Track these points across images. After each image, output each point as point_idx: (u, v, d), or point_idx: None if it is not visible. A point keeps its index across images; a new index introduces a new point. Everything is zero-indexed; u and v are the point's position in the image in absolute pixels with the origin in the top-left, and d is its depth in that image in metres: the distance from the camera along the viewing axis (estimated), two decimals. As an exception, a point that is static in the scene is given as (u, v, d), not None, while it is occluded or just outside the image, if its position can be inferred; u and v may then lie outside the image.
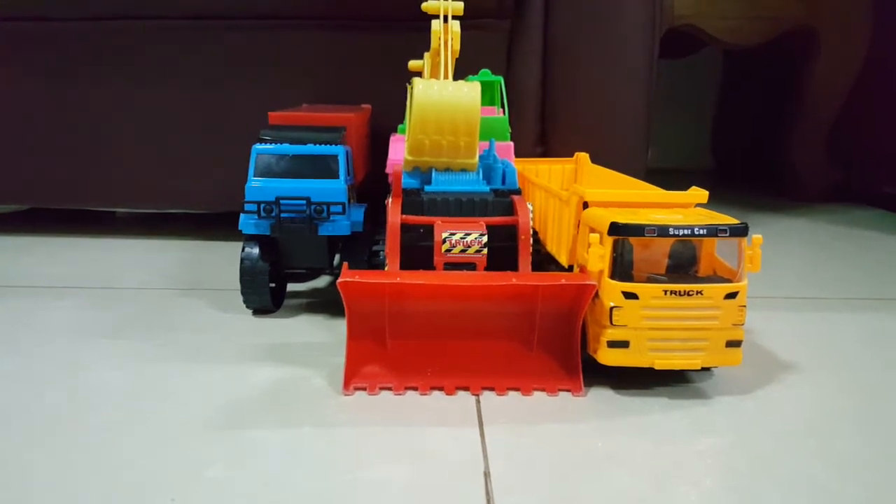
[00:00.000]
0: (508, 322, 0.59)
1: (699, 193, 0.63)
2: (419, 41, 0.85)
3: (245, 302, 0.74)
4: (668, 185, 0.68)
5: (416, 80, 0.64)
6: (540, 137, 0.98)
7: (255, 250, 0.72)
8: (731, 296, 0.56)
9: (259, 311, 0.76)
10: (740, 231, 0.56)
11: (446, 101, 0.62)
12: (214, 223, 1.12)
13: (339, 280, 0.54)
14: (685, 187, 0.64)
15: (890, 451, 0.50)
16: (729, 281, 0.57)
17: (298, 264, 0.75)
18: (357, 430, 0.51)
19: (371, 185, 0.86)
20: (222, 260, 0.96)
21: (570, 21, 0.95)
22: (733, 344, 0.57)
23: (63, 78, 1.00)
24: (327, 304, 0.80)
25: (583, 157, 0.93)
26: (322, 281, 0.88)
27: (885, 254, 1.07)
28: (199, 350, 0.66)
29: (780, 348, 0.69)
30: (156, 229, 1.14)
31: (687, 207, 0.64)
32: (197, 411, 0.54)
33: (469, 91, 0.63)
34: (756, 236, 0.57)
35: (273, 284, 0.74)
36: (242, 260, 0.71)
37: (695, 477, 0.46)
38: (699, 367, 0.58)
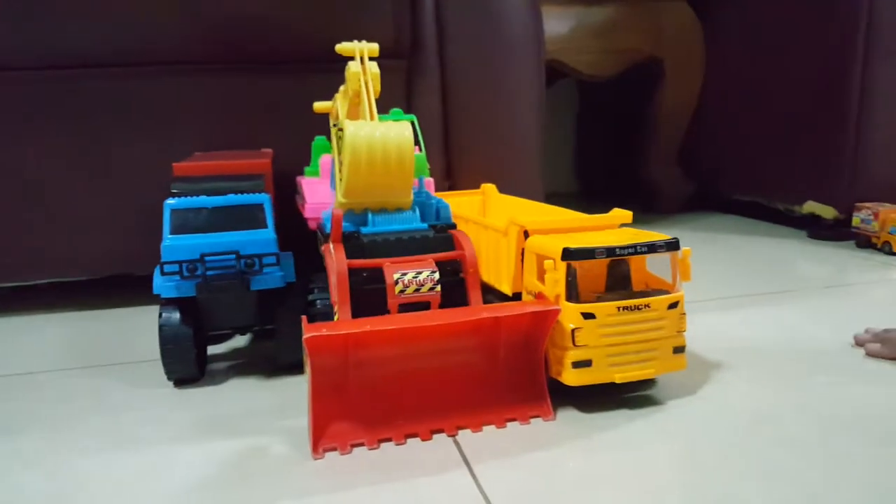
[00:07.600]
0: (473, 357, 0.59)
1: (623, 214, 0.68)
2: (315, 83, 0.83)
3: (167, 373, 0.67)
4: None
5: (346, 122, 0.62)
6: (447, 171, 1.00)
7: (176, 314, 0.65)
8: (673, 305, 0.60)
9: (181, 381, 0.69)
10: (674, 245, 0.61)
11: (379, 141, 0.61)
12: (93, 290, 1.01)
13: (306, 336, 0.51)
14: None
15: (833, 427, 0.56)
16: (667, 292, 0.61)
17: (225, 324, 0.69)
18: (340, 495, 0.48)
19: (287, 232, 0.82)
20: (113, 330, 0.85)
21: (464, 57, 0.98)
22: (679, 350, 0.61)
23: None
24: (254, 363, 0.74)
25: (489, 188, 0.96)
26: (241, 340, 0.82)
27: (751, 254, 1.20)
28: (127, 435, 0.58)
29: (702, 349, 0.74)
30: (28, 304, 1.00)
31: (613, 228, 0.68)
32: (156, 501, 0.47)
33: (401, 130, 0.62)
34: (685, 249, 0.62)
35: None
36: (161, 327, 0.65)
37: (677, 478, 0.48)
38: (654, 376, 0.61)
